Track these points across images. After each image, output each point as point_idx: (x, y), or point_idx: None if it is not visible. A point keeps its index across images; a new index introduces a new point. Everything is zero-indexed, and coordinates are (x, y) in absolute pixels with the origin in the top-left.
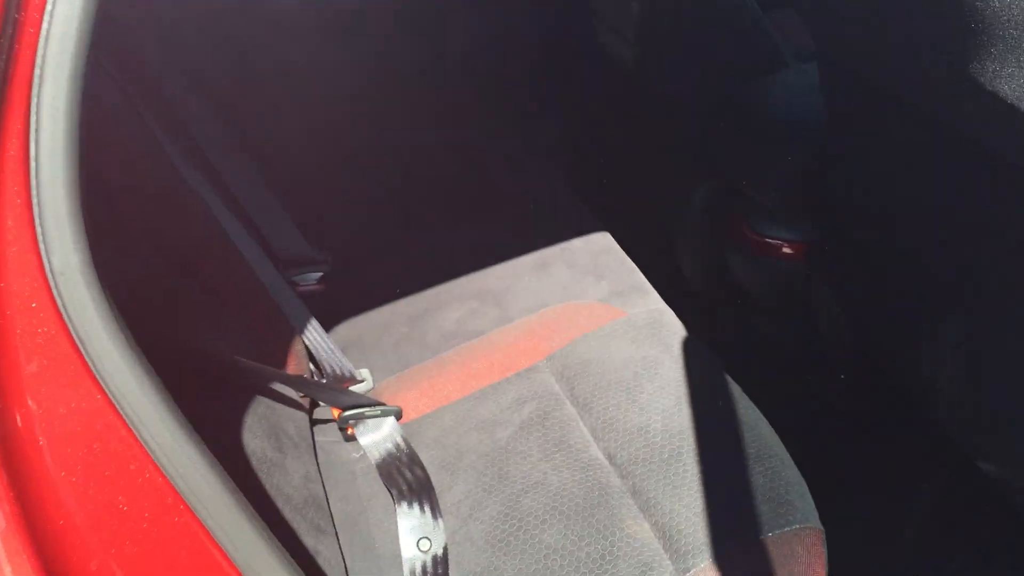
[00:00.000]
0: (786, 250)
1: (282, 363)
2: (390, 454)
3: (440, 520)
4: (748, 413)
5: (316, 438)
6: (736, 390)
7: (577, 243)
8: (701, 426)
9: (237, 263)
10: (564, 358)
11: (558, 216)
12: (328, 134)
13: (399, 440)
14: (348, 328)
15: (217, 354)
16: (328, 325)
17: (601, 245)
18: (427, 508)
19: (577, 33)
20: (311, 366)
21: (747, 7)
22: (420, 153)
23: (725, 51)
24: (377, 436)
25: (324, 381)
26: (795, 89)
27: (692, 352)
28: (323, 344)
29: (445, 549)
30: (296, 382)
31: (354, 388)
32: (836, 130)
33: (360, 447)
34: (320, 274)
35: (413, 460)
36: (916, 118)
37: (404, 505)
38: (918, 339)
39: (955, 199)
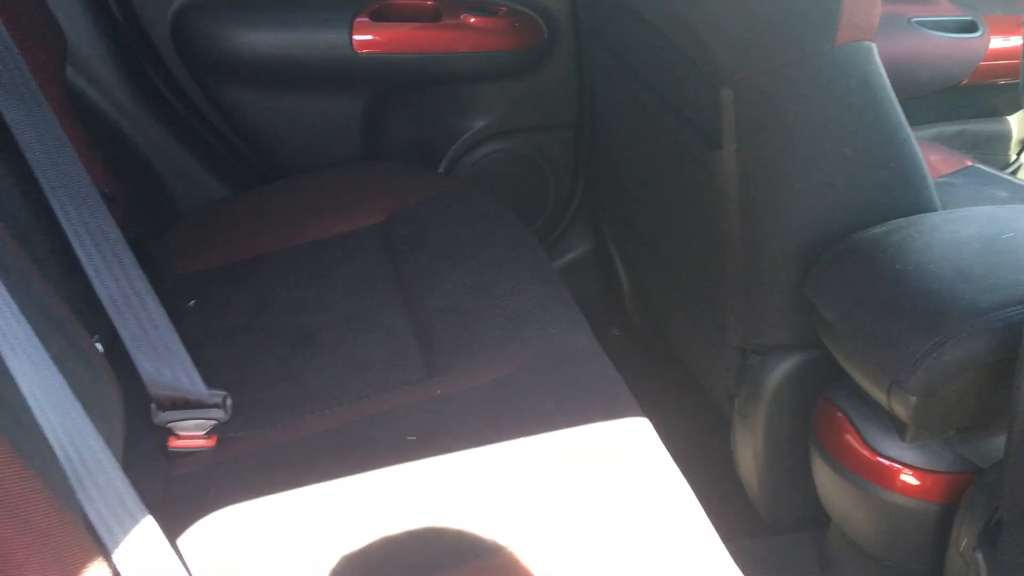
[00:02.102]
0: (914, 481)
1: None
2: None
3: None
4: None
5: None
6: None
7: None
8: None
9: None
10: None
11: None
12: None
13: None
14: (242, 533)
15: None
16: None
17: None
18: None
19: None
20: None
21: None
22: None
23: (860, 180)
24: None
25: None
26: (953, 244)
27: None
28: None
29: None
30: None
31: None
32: None
33: None
34: (212, 423)
35: None
36: None
37: None
38: None
39: None
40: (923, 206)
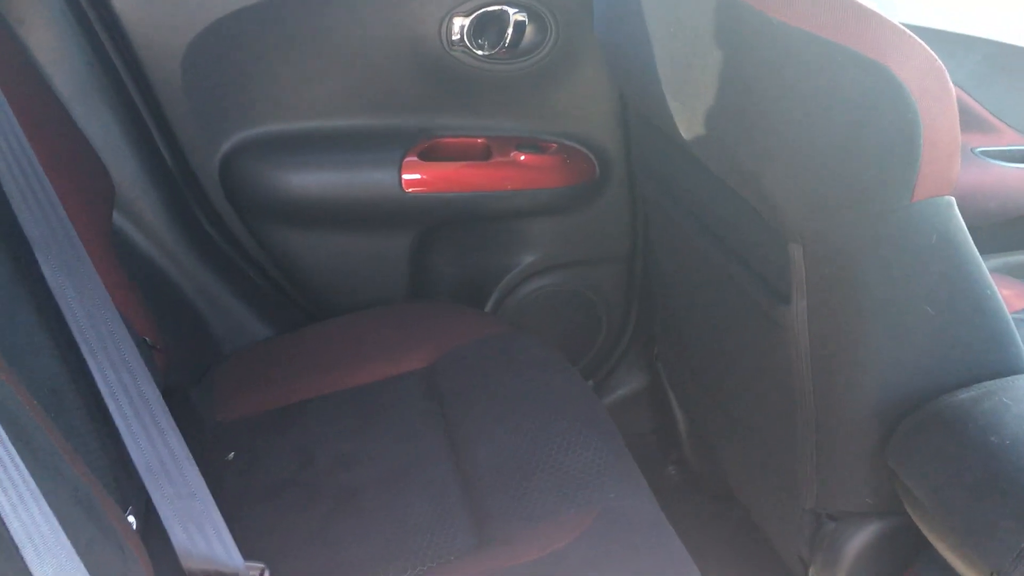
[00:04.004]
0: None
1: None
2: None
3: None
4: None
5: None
6: None
7: None
8: None
9: None
10: None
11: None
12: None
13: None
14: None
15: None
16: None
17: None
18: None
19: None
20: None
21: (990, 290)
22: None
23: (943, 341)
24: None
25: None
26: None
27: None
28: None
29: None
30: None
31: None
32: None
33: None
34: None
35: None
36: None
37: None
38: None
39: None
40: (1012, 367)
